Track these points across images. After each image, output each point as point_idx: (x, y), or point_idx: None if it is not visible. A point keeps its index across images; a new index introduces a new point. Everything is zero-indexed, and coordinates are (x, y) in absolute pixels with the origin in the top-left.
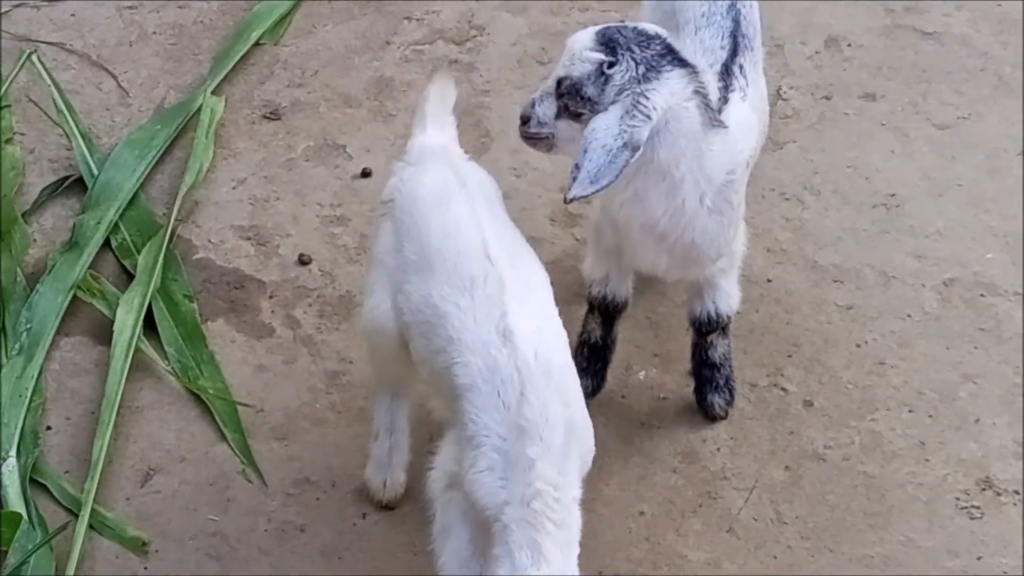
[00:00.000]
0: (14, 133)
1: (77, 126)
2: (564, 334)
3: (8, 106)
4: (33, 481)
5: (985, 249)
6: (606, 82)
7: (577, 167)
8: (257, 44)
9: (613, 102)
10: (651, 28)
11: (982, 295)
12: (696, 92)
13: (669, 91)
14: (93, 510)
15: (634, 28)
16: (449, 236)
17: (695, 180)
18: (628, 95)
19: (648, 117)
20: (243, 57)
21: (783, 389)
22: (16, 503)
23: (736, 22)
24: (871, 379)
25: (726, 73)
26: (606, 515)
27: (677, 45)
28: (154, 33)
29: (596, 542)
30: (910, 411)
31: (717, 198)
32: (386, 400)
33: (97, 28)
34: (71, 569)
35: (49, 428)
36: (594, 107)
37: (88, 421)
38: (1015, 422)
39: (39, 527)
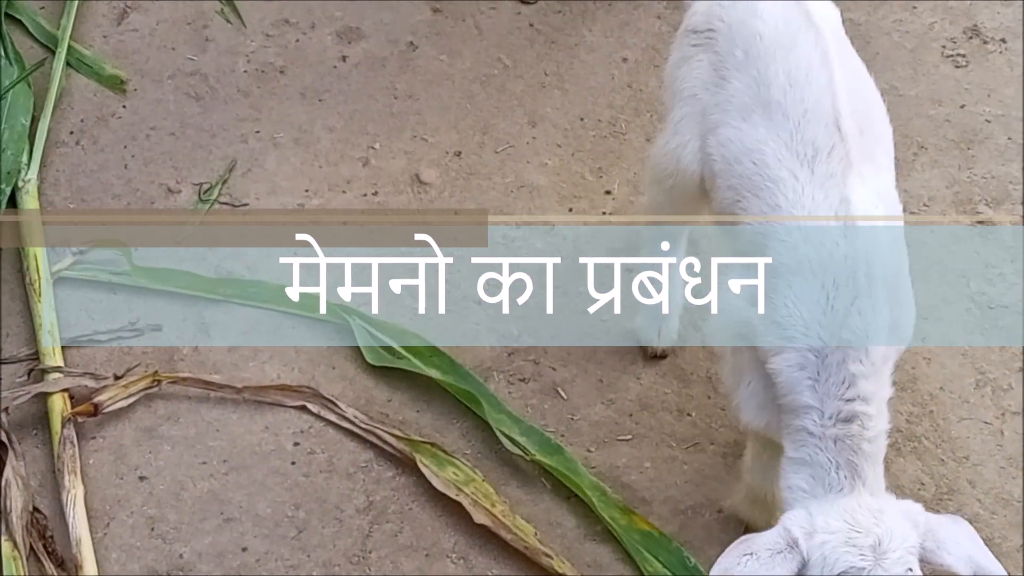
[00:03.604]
0: None
1: None
2: (899, 207)
3: None
4: (9, 17)
5: None
6: None
7: None
8: None
9: None
10: None
11: None
12: None
13: None
14: (70, 47)
15: None
16: (795, 87)
17: None
18: None
19: None
20: None
21: None
22: None
23: None
24: None
25: None
26: (589, 61)
27: None
28: None
29: (578, 87)
30: None
31: None
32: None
33: None
34: (50, 106)
35: None
36: None
37: None
38: None
39: (16, 64)
